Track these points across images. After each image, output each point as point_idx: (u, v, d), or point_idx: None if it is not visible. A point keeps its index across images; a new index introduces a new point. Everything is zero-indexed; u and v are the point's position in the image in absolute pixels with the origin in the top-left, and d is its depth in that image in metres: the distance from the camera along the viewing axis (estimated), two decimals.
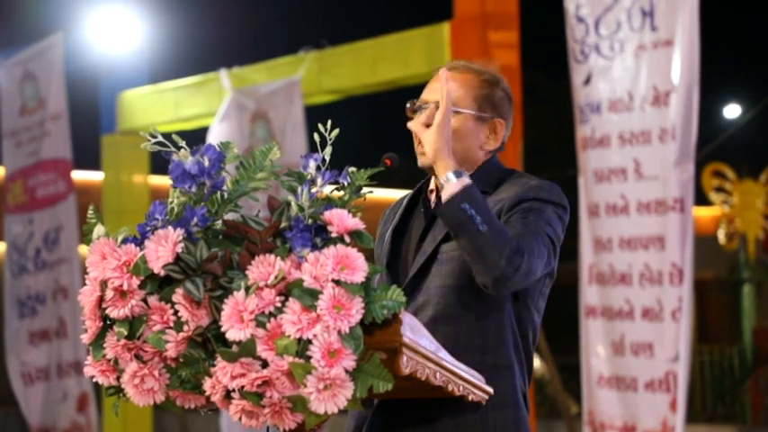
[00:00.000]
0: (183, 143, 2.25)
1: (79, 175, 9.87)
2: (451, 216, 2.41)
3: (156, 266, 2.15)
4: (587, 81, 5.96)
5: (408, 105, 2.65)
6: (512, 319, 2.57)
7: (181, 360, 2.17)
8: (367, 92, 8.27)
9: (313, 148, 2.32)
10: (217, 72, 8.54)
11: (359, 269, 2.10)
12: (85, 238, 2.28)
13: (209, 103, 8.61)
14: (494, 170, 2.66)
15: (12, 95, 8.87)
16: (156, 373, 2.19)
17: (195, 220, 2.19)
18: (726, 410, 11.65)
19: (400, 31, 7.65)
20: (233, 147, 2.29)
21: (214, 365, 2.12)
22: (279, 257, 2.12)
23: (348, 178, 2.28)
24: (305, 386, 2.06)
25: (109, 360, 2.22)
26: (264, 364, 2.08)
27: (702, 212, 15.32)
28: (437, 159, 2.48)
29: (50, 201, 8.50)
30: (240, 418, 2.13)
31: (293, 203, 2.21)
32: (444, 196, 2.44)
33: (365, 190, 2.28)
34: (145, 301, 2.18)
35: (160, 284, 2.18)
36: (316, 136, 2.30)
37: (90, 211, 2.32)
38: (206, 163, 2.22)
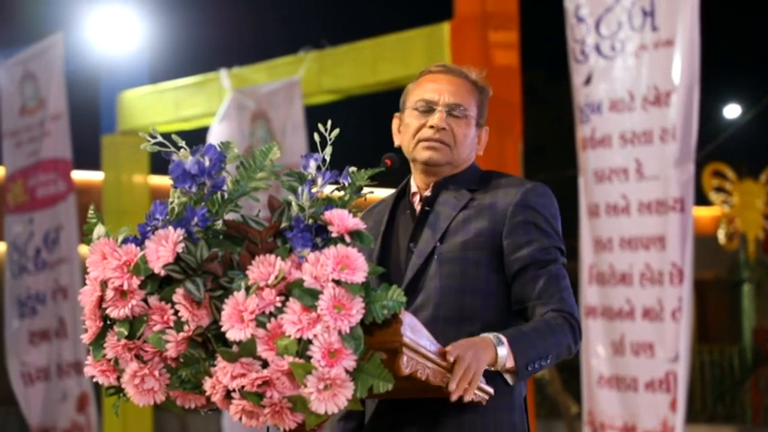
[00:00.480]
0: (183, 143, 2.25)
1: (79, 175, 9.88)
2: (530, 375, 2.49)
3: (157, 266, 2.15)
4: (588, 81, 5.96)
5: (448, 109, 2.63)
6: (511, 322, 2.57)
7: (181, 360, 2.17)
8: (367, 92, 8.27)
9: (313, 148, 2.32)
10: (217, 72, 8.54)
11: (359, 269, 2.10)
12: (86, 238, 2.28)
13: (209, 103, 8.61)
14: (476, 170, 2.73)
15: (12, 95, 8.87)
16: (156, 373, 2.19)
17: (195, 220, 2.19)
18: (726, 410, 11.65)
19: (400, 31, 7.65)
20: (233, 147, 2.29)
21: (214, 365, 2.12)
22: (279, 257, 2.12)
23: (348, 178, 2.29)
24: (305, 386, 2.06)
25: (109, 360, 2.22)
26: (265, 364, 2.08)
27: (702, 212, 15.32)
28: (482, 366, 2.38)
29: (50, 201, 8.50)
30: (240, 419, 2.13)
31: (294, 203, 2.21)
32: (510, 372, 2.45)
33: (365, 190, 2.28)
34: (145, 301, 2.18)
35: (160, 284, 2.18)
36: (316, 136, 2.30)
37: (90, 211, 2.32)
38: (206, 163, 2.22)
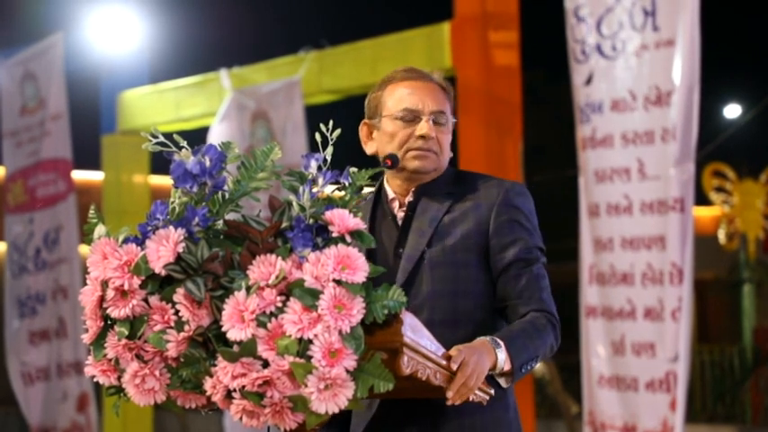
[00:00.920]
0: (183, 143, 2.25)
1: (79, 175, 9.88)
2: (521, 377, 2.53)
3: (158, 266, 2.15)
4: (589, 81, 5.96)
5: (434, 117, 2.64)
6: (498, 321, 2.62)
7: (182, 360, 2.17)
8: (367, 92, 8.24)
9: (313, 147, 2.32)
10: (217, 72, 8.54)
11: (360, 269, 2.10)
12: (86, 237, 2.29)
13: (210, 103, 8.61)
14: (450, 171, 2.73)
15: (12, 95, 8.87)
16: (156, 372, 2.19)
17: (196, 219, 2.19)
18: (726, 410, 11.64)
19: (400, 31, 7.65)
20: (234, 147, 2.29)
21: (215, 365, 2.12)
22: (280, 257, 2.12)
23: (349, 178, 2.29)
24: (306, 386, 2.06)
25: (110, 360, 2.22)
26: (265, 364, 2.08)
27: (702, 212, 15.32)
28: (484, 372, 2.39)
29: (50, 201, 8.50)
30: (241, 418, 2.13)
31: (294, 203, 2.21)
32: (505, 375, 2.47)
33: (366, 190, 2.29)
34: (146, 300, 2.18)
35: (161, 284, 2.18)
36: (316, 136, 2.30)
37: (91, 211, 2.32)
38: (207, 163, 2.22)
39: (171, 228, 2.17)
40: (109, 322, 2.22)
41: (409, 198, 2.67)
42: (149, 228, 2.22)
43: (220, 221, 2.24)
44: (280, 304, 2.09)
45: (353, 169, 2.31)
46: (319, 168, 2.24)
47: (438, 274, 2.58)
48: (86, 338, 2.25)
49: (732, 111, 19.40)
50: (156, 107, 9.28)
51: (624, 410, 5.75)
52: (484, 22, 6.88)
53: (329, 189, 2.24)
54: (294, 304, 2.08)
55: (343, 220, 2.16)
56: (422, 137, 2.63)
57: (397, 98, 2.67)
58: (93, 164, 10.18)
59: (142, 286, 2.18)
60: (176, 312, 2.16)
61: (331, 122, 2.32)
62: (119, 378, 2.23)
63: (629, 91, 5.77)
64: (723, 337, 15.31)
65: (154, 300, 2.18)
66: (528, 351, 2.47)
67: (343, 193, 2.27)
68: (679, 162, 5.56)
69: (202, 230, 2.20)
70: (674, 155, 5.56)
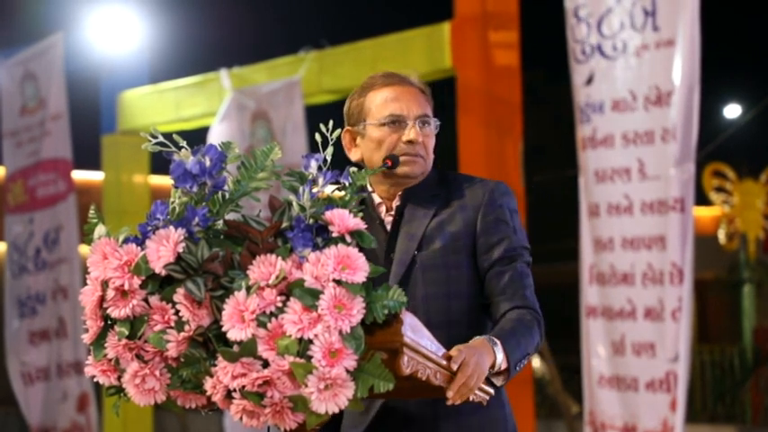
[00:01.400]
0: (183, 143, 2.25)
1: (79, 175, 9.88)
2: (515, 375, 2.53)
3: (158, 266, 2.15)
4: (589, 81, 5.96)
5: (420, 122, 2.66)
6: (485, 320, 2.65)
7: (182, 360, 2.17)
8: None
9: (313, 147, 2.32)
10: (217, 72, 8.54)
11: (360, 269, 2.10)
12: (87, 237, 2.28)
13: (210, 103, 8.61)
14: (433, 173, 2.74)
15: (12, 95, 8.87)
16: (157, 372, 2.19)
17: (196, 219, 2.19)
18: (726, 410, 11.64)
19: (400, 31, 7.65)
20: (234, 147, 2.29)
21: (215, 365, 2.12)
22: (280, 257, 2.12)
23: (349, 178, 2.29)
24: (306, 386, 2.06)
25: (110, 360, 2.22)
26: (265, 364, 2.08)
27: (703, 212, 15.32)
28: (484, 372, 2.39)
29: (50, 201, 8.50)
30: (241, 418, 2.13)
31: (294, 203, 2.21)
32: (500, 374, 2.46)
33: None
34: (146, 300, 2.18)
35: (161, 284, 2.18)
36: (317, 136, 2.30)
37: (91, 211, 2.32)
38: (207, 163, 2.22)
39: (171, 228, 2.17)
40: (109, 322, 2.22)
41: (396, 202, 2.69)
42: (149, 228, 2.22)
43: (220, 221, 2.24)
44: (280, 304, 2.09)
45: (353, 169, 2.31)
46: (319, 168, 2.24)
47: (430, 277, 2.61)
48: (86, 338, 2.25)
49: (732, 111, 19.41)
50: (156, 107, 9.28)
51: (624, 410, 5.75)
52: (484, 22, 6.88)
53: (329, 189, 2.24)
54: (294, 304, 2.08)
55: (343, 220, 2.16)
56: (409, 142, 2.64)
57: (381, 104, 2.68)
58: (93, 164, 10.18)
59: (142, 286, 2.18)
60: (176, 312, 2.16)
61: (331, 122, 2.32)
62: (119, 378, 2.23)
63: (630, 91, 5.77)
64: (723, 337, 15.31)
65: (154, 300, 2.18)
66: (521, 349, 2.48)
67: (343, 193, 2.27)
68: (679, 162, 5.56)
69: (202, 230, 2.20)
70: (675, 155, 5.56)
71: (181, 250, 2.15)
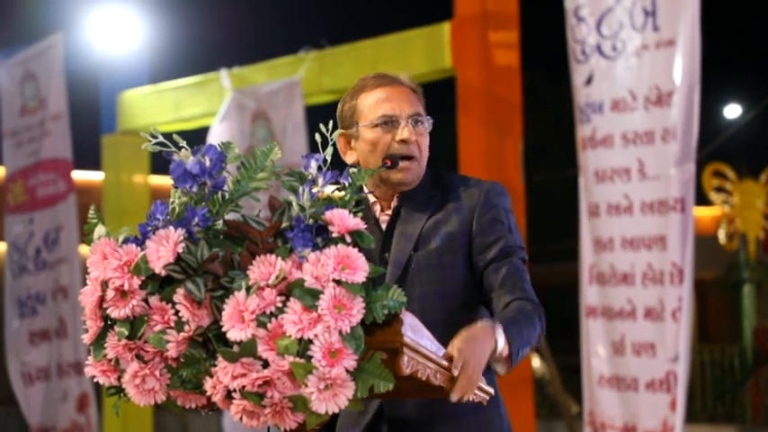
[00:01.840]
0: (183, 143, 2.25)
1: (79, 175, 9.88)
2: (517, 364, 2.50)
3: (158, 266, 2.15)
4: (589, 81, 5.96)
5: (413, 121, 2.66)
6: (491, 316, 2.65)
7: (182, 360, 2.17)
8: None
9: (313, 148, 2.32)
10: (217, 72, 8.54)
11: (360, 269, 2.10)
12: (86, 238, 2.28)
13: (210, 103, 8.61)
14: (428, 174, 2.73)
15: (12, 95, 8.87)
16: (157, 373, 2.19)
17: (196, 220, 2.19)
18: (726, 410, 11.65)
19: (400, 31, 7.65)
20: (234, 147, 2.29)
21: (215, 365, 2.12)
22: (280, 257, 2.12)
23: (349, 178, 2.29)
24: (306, 386, 2.06)
25: (110, 360, 2.22)
26: (265, 364, 2.08)
27: (703, 212, 15.32)
28: (483, 362, 2.37)
29: (50, 201, 8.50)
30: (241, 419, 2.13)
31: (294, 203, 2.21)
32: (500, 361, 2.44)
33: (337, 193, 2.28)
34: (146, 301, 2.18)
35: (161, 284, 2.18)
36: (316, 136, 2.30)
37: (91, 212, 2.32)
38: (207, 163, 2.22)
39: (171, 228, 2.17)
40: (109, 322, 2.22)
41: (394, 203, 2.69)
42: (149, 228, 2.22)
43: (220, 221, 2.24)
44: (280, 304, 2.09)
45: (353, 169, 2.31)
46: (319, 168, 2.24)
47: (426, 277, 2.62)
48: (86, 339, 2.25)
49: (732, 111, 19.41)
50: (156, 107, 9.28)
51: (624, 410, 5.75)
52: (484, 22, 6.88)
53: (329, 189, 2.24)
54: (294, 304, 2.08)
55: (343, 220, 2.16)
56: (403, 141, 2.64)
57: (373, 105, 2.67)
58: (93, 164, 10.18)
59: (142, 286, 2.17)
60: (176, 312, 2.16)
61: (331, 122, 2.32)
62: (119, 378, 2.23)
63: (630, 91, 5.77)
64: (723, 337, 15.31)
65: (154, 300, 2.17)
66: (522, 337, 2.46)
67: (342, 193, 2.27)
68: (679, 162, 5.56)
69: (202, 230, 2.20)
70: (675, 155, 5.56)
71: (181, 250, 2.15)
